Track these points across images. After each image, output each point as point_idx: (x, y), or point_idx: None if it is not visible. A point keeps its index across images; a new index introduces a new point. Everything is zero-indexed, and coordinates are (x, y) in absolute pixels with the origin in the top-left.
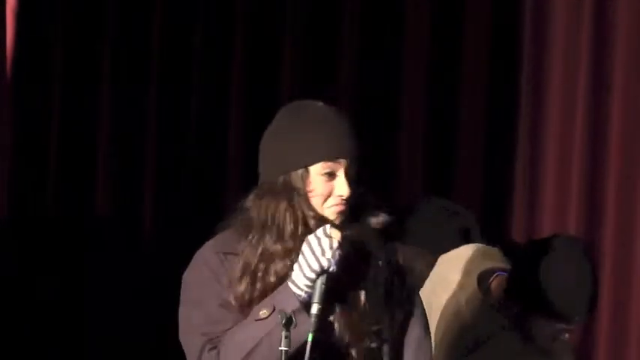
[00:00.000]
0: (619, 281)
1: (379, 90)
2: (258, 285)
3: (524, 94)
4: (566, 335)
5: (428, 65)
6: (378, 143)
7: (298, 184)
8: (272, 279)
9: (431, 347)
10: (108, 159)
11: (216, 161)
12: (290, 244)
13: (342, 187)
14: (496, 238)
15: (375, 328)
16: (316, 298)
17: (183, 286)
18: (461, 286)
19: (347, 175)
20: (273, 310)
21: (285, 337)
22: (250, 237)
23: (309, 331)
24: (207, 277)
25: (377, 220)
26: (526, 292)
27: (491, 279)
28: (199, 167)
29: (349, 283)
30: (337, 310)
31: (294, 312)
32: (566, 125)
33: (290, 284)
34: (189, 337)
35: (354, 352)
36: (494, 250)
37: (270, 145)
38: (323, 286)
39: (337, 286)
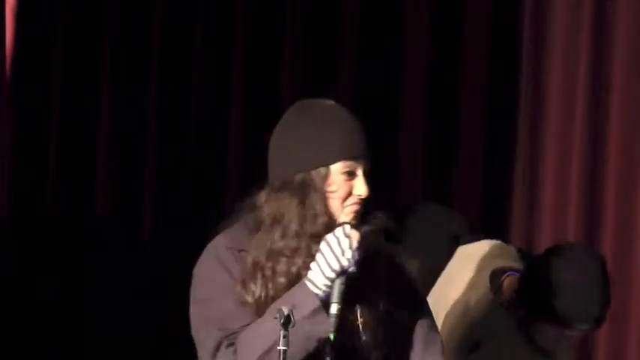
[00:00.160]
0: (619, 281)
1: (379, 90)
2: (270, 285)
3: (524, 94)
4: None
5: (428, 65)
6: (378, 143)
7: (318, 182)
8: (282, 279)
9: (441, 340)
10: (108, 159)
11: (216, 161)
12: (297, 242)
13: (361, 187)
14: (496, 238)
15: (391, 327)
16: (335, 297)
17: (196, 280)
18: (472, 284)
19: (365, 174)
20: (293, 308)
21: (284, 337)
22: (259, 234)
23: (329, 331)
24: (222, 273)
25: (382, 221)
26: (534, 296)
27: (503, 278)
28: (199, 167)
29: (365, 282)
30: (357, 309)
31: (313, 311)
32: (566, 125)
33: (308, 283)
34: (205, 332)
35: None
36: (511, 249)
37: (284, 142)
38: (342, 286)
39: (354, 285)
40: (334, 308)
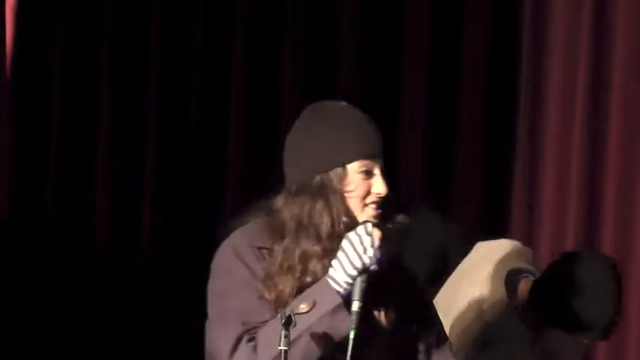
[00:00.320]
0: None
1: (379, 90)
2: (297, 283)
3: (523, 94)
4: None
5: (428, 65)
6: None
7: (336, 183)
8: (309, 279)
9: (449, 341)
10: (108, 159)
11: (216, 161)
12: (327, 244)
13: (379, 185)
14: (496, 239)
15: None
16: (356, 295)
17: (214, 274)
18: (487, 282)
19: (382, 173)
20: (314, 304)
21: (285, 337)
22: (286, 240)
23: (351, 328)
24: (241, 268)
25: (405, 220)
26: (550, 300)
27: (519, 279)
28: (199, 167)
29: (386, 280)
30: (379, 307)
31: (335, 308)
32: (566, 125)
33: (329, 280)
34: (224, 325)
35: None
36: (528, 250)
37: (300, 145)
38: (364, 283)
39: (375, 283)
40: (355, 306)
